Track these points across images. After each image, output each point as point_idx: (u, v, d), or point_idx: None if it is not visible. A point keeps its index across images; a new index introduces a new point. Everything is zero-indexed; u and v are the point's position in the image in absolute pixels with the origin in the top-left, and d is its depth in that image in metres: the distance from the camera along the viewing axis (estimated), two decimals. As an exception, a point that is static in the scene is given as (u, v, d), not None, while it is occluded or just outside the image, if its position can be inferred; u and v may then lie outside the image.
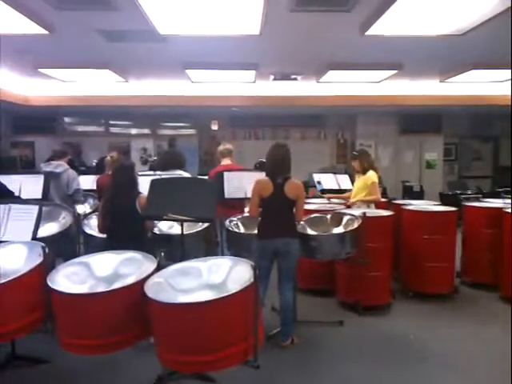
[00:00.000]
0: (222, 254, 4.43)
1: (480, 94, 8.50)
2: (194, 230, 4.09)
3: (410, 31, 4.45)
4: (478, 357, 3.62)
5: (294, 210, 3.70)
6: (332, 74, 6.58)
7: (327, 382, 3.24)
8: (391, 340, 3.93)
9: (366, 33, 4.43)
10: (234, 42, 4.86)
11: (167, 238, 4.15)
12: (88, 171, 7.47)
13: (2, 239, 3.19)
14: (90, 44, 5.11)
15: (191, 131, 11.03)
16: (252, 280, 2.27)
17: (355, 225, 4.08)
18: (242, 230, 4.44)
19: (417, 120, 10.66)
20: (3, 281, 2.49)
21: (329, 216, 4.43)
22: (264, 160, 3.97)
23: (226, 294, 2.27)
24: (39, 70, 6.29)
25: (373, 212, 4.70)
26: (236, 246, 4.26)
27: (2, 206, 3.41)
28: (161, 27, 4.23)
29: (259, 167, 6.22)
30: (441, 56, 5.79)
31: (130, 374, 3.26)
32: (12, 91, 7.88)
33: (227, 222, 4.41)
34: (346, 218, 4.29)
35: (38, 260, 2.66)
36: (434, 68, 6.73)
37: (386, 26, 4.20)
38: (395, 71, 6.42)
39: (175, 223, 4.11)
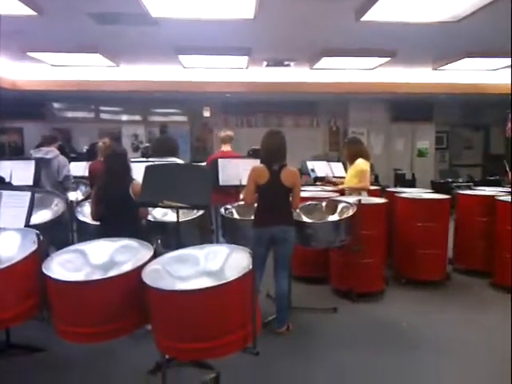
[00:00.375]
0: (217, 242, 4.42)
1: (472, 83, 8.52)
2: (189, 218, 4.07)
3: (404, 17, 4.41)
4: (470, 343, 3.67)
5: (291, 198, 3.69)
6: (325, 61, 6.52)
7: (321, 367, 3.26)
8: (385, 326, 3.96)
9: (361, 19, 4.38)
10: (228, 26, 4.78)
11: (162, 225, 4.12)
12: (79, 158, 7.39)
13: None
14: (80, 27, 4.98)
15: (183, 118, 10.93)
16: (250, 267, 2.26)
17: (350, 212, 4.08)
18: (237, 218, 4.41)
19: (409, 108, 10.67)
20: (-3, 268, 2.45)
21: (324, 204, 4.43)
22: (257, 147, 3.94)
23: (224, 281, 2.25)
24: (28, 53, 6.15)
25: (367, 199, 4.71)
26: (231, 233, 4.24)
27: (-6, 192, 3.35)
28: (153, 10, 4.14)
29: (252, 154, 6.20)
30: (435, 43, 5.77)
31: (126, 362, 3.25)
32: (-1, 75, 7.72)
33: (222, 210, 4.39)
34: (340, 206, 4.29)
35: (33, 247, 2.61)
36: (428, 56, 6.71)
37: (380, 11, 4.16)
38: (389, 58, 6.39)
39: (169, 210, 4.07)
